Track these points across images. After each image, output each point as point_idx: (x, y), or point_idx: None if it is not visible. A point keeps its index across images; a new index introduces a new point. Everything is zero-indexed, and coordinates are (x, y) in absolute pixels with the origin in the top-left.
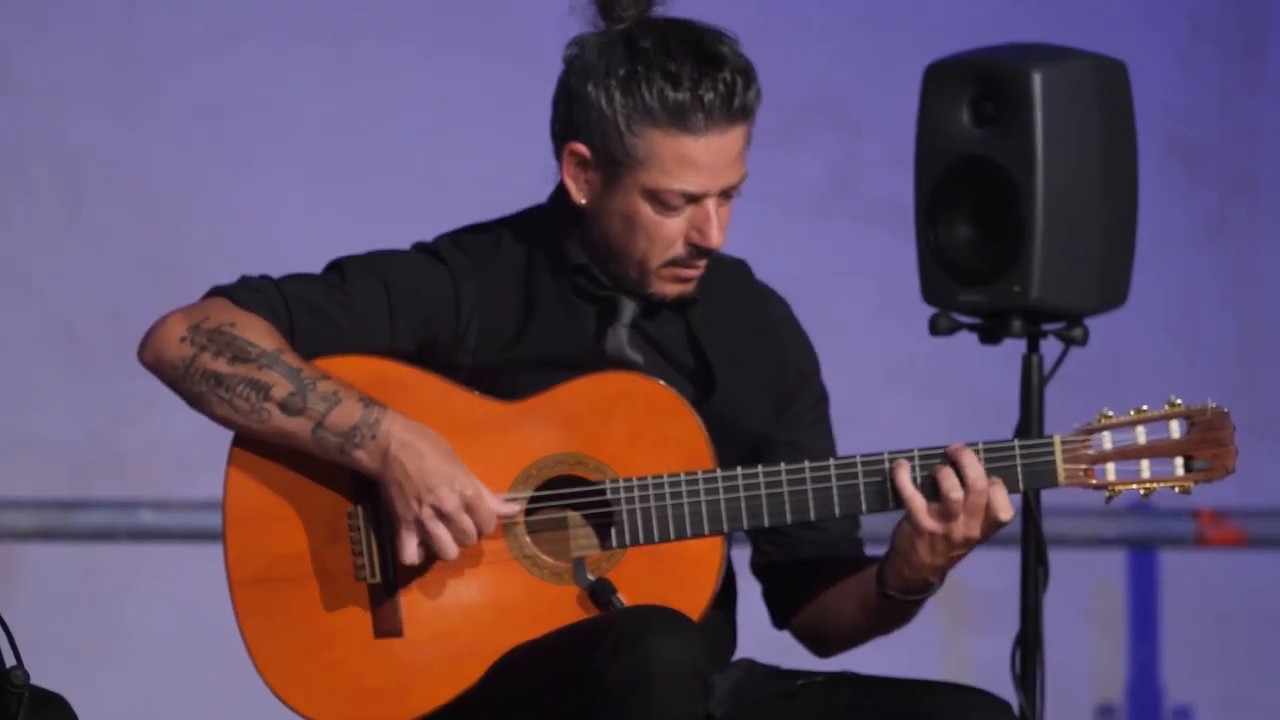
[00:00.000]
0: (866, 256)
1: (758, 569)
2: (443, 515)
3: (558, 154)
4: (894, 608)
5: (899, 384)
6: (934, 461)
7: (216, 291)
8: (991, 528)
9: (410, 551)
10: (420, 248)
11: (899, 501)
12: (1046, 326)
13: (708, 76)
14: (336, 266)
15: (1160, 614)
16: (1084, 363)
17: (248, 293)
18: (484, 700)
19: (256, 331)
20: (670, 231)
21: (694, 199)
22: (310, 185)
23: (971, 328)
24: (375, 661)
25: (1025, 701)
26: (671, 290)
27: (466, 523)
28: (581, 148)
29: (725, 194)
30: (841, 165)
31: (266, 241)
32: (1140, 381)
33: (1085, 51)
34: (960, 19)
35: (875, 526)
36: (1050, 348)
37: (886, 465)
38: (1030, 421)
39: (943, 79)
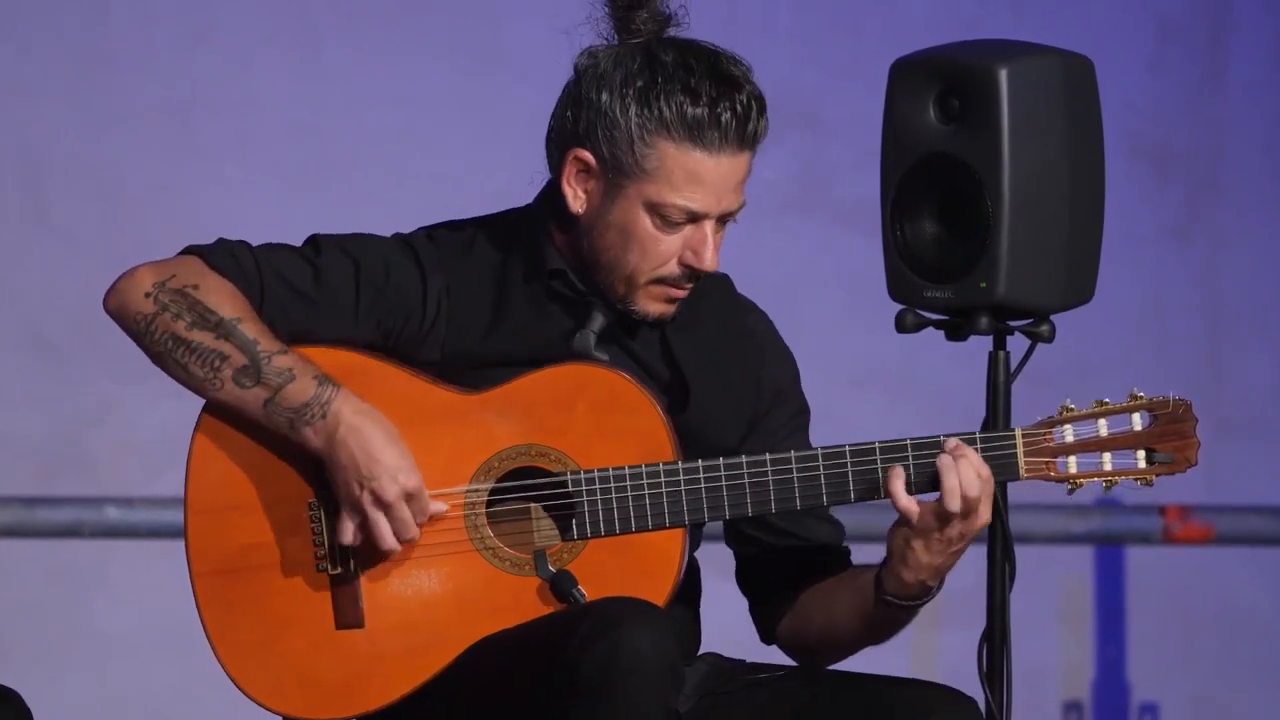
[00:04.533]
0: (834, 256)
1: (743, 581)
2: (382, 504)
3: (556, 160)
4: (891, 615)
5: (867, 383)
6: (925, 457)
7: (190, 250)
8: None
9: (348, 534)
10: (396, 238)
11: (891, 500)
12: (1013, 323)
13: (726, 97)
14: (312, 241)
15: (1127, 611)
16: (1052, 360)
17: (221, 255)
18: (453, 692)
19: (220, 296)
20: (665, 249)
21: (694, 218)
22: (278, 186)
23: (938, 324)
24: (335, 652)
25: (992, 698)
26: (655, 310)
27: (405, 514)
28: (587, 155)
29: (723, 219)
30: (809, 165)
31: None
32: (1108, 379)
33: (1051, 48)
34: (928, 19)
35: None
36: (1017, 345)
37: (848, 459)
38: (996, 418)
39: (908, 76)
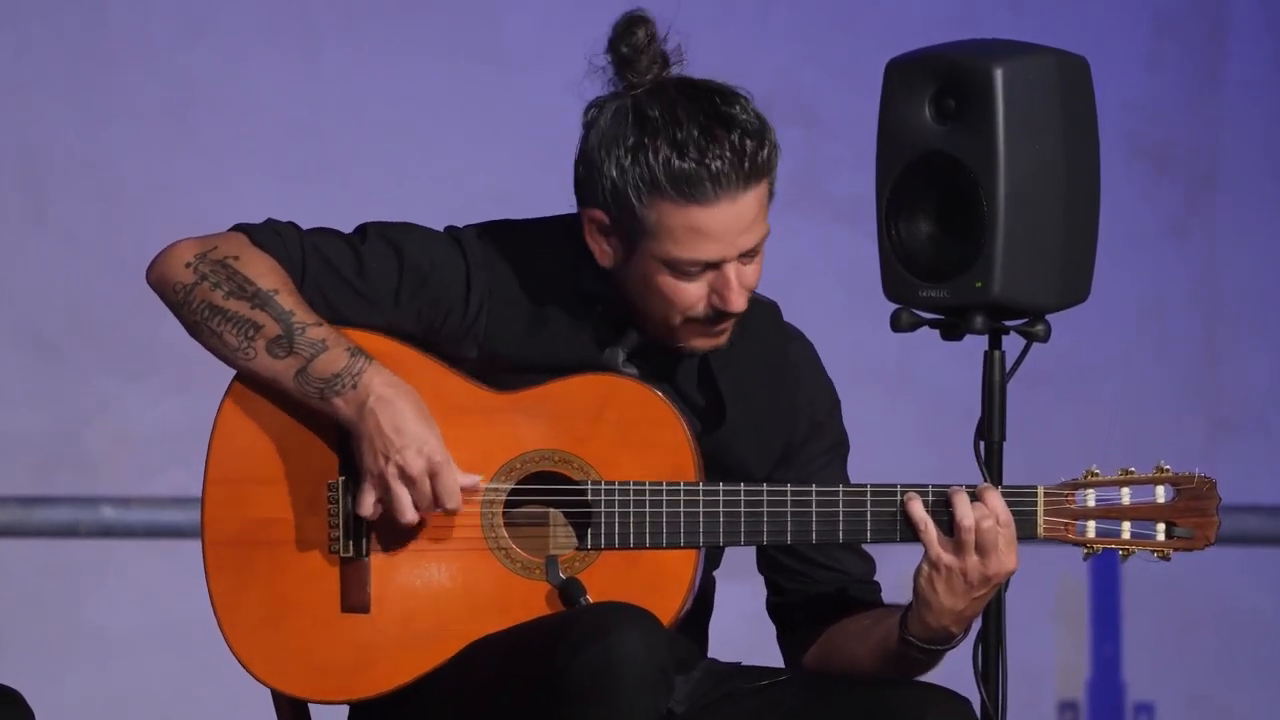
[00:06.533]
0: (831, 254)
1: (773, 609)
2: (406, 477)
3: (581, 214)
4: (915, 656)
5: (864, 381)
6: (943, 495)
7: (237, 227)
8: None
9: (368, 506)
10: (448, 231)
11: (910, 530)
12: (1008, 323)
13: (715, 143)
14: (361, 229)
15: (1123, 610)
16: (1049, 359)
17: (267, 233)
18: (446, 691)
19: (258, 268)
20: (689, 295)
21: (712, 265)
22: (277, 184)
23: (933, 324)
24: (337, 635)
25: (987, 698)
26: (702, 344)
27: (427, 489)
28: (600, 215)
29: (745, 255)
30: (805, 163)
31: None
32: (1104, 378)
33: (1047, 47)
34: (924, 17)
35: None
36: (1013, 344)
37: (868, 495)
38: (992, 418)
39: (904, 75)
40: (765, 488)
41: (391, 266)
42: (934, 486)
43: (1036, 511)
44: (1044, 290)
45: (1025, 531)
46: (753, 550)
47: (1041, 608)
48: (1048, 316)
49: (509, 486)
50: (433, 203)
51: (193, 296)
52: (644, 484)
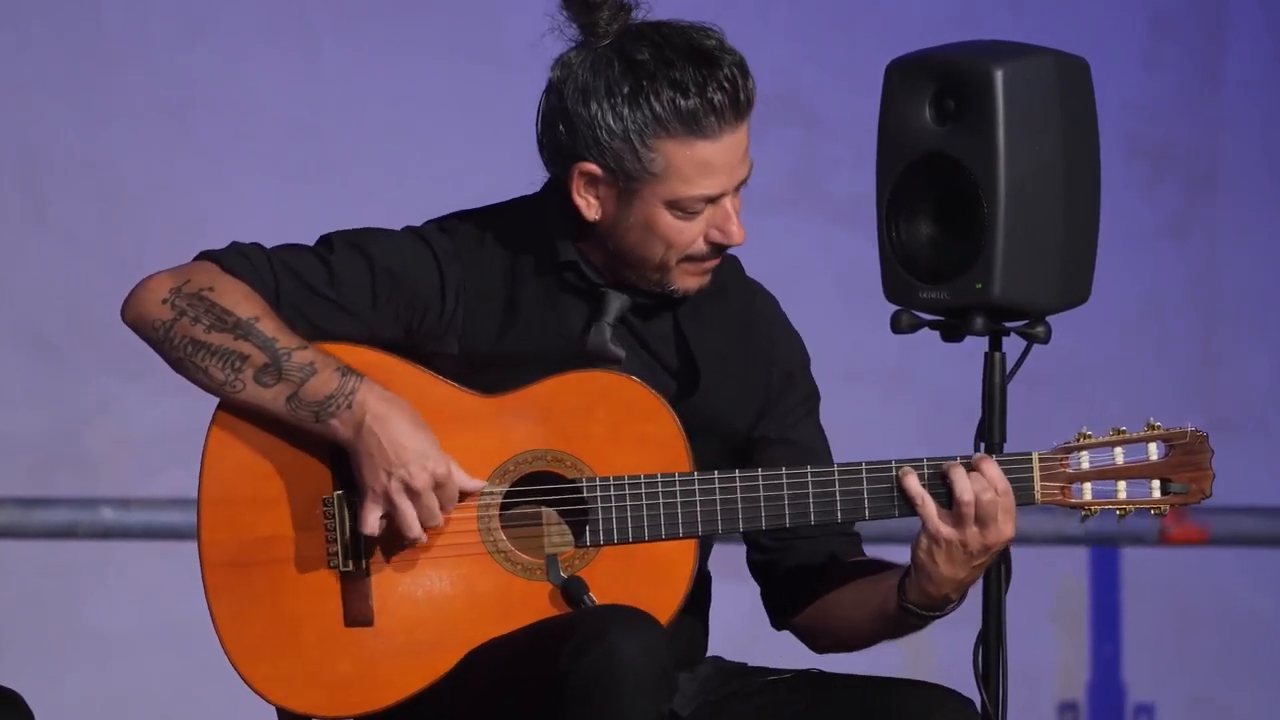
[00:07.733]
0: (830, 253)
1: (755, 568)
2: (410, 491)
3: (560, 173)
4: (912, 622)
5: (864, 381)
6: (938, 469)
7: (204, 255)
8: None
9: (372, 524)
10: (407, 230)
11: (907, 506)
12: (1008, 324)
13: (711, 78)
14: (326, 240)
15: (1123, 611)
16: (1048, 360)
17: (235, 258)
18: (451, 696)
19: (235, 297)
20: (690, 235)
21: (713, 200)
22: (276, 184)
23: (933, 325)
24: (343, 649)
25: (987, 699)
26: (693, 284)
27: (433, 502)
28: (592, 167)
29: (737, 188)
30: (804, 163)
31: (232, 240)
32: (1104, 379)
33: (1047, 49)
34: (924, 17)
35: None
36: (1013, 345)
37: (864, 474)
38: (992, 419)
39: (904, 76)
40: (760, 473)
41: (363, 273)
42: (928, 460)
43: (1033, 478)
44: (1044, 291)
45: (1023, 499)
46: None
47: (1041, 608)
48: (1048, 318)
49: (504, 489)
50: (433, 203)
51: (173, 333)
52: (639, 477)
